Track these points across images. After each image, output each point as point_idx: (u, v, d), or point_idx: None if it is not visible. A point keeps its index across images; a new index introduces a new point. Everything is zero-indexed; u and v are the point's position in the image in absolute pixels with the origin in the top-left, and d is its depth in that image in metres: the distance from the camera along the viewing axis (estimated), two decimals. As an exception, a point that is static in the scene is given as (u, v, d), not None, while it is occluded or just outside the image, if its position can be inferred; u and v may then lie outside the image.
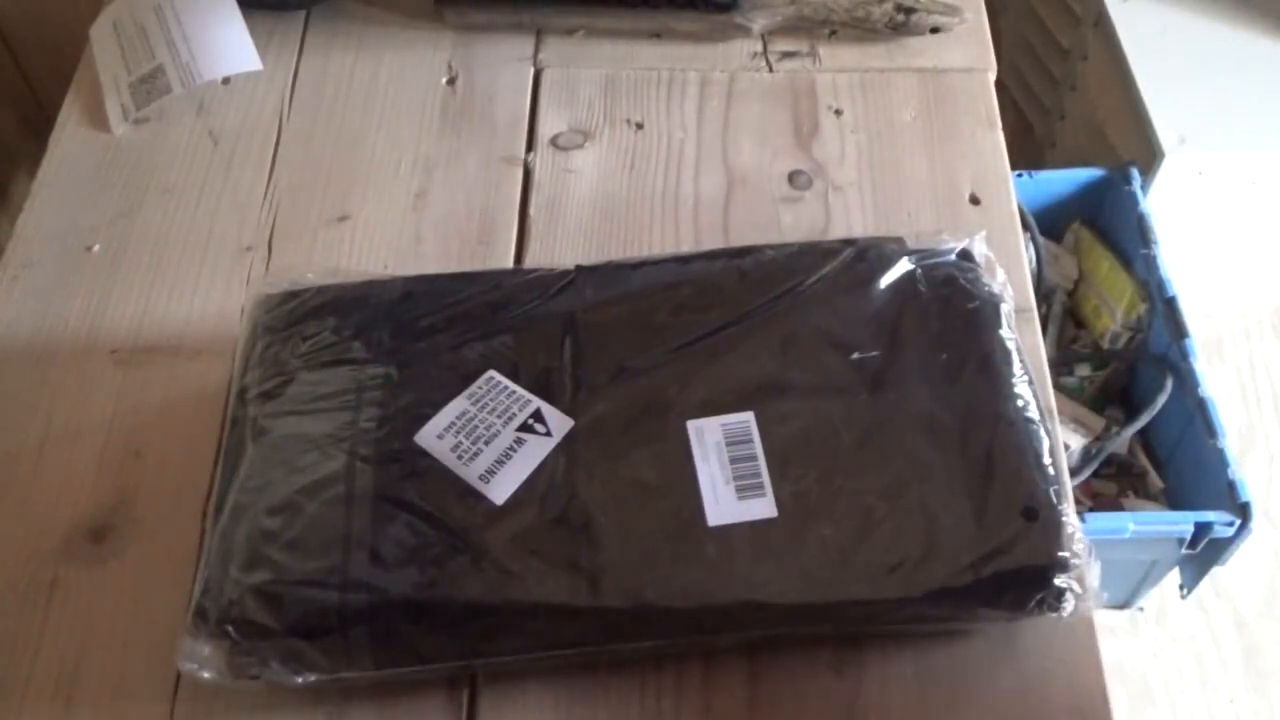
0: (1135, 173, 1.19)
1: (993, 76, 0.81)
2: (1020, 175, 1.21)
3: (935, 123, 0.78)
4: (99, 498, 0.63)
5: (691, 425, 0.55)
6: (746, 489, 0.54)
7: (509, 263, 0.72)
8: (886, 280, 0.60)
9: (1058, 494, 0.53)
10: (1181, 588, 1.16)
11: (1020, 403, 0.56)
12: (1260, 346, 1.44)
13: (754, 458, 0.54)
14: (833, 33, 0.84)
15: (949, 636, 0.56)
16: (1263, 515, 1.27)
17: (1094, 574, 0.52)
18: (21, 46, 1.18)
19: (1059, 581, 0.51)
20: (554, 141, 0.78)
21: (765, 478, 0.54)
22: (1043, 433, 0.56)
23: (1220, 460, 1.04)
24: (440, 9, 0.85)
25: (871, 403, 0.56)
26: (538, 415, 0.56)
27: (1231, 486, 1.02)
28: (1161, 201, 1.20)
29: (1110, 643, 1.23)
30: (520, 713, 0.55)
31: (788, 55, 0.83)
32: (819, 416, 0.56)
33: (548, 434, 0.55)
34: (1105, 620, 1.24)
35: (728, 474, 0.54)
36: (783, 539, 0.52)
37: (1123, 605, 1.24)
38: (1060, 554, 0.51)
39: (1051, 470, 0.54)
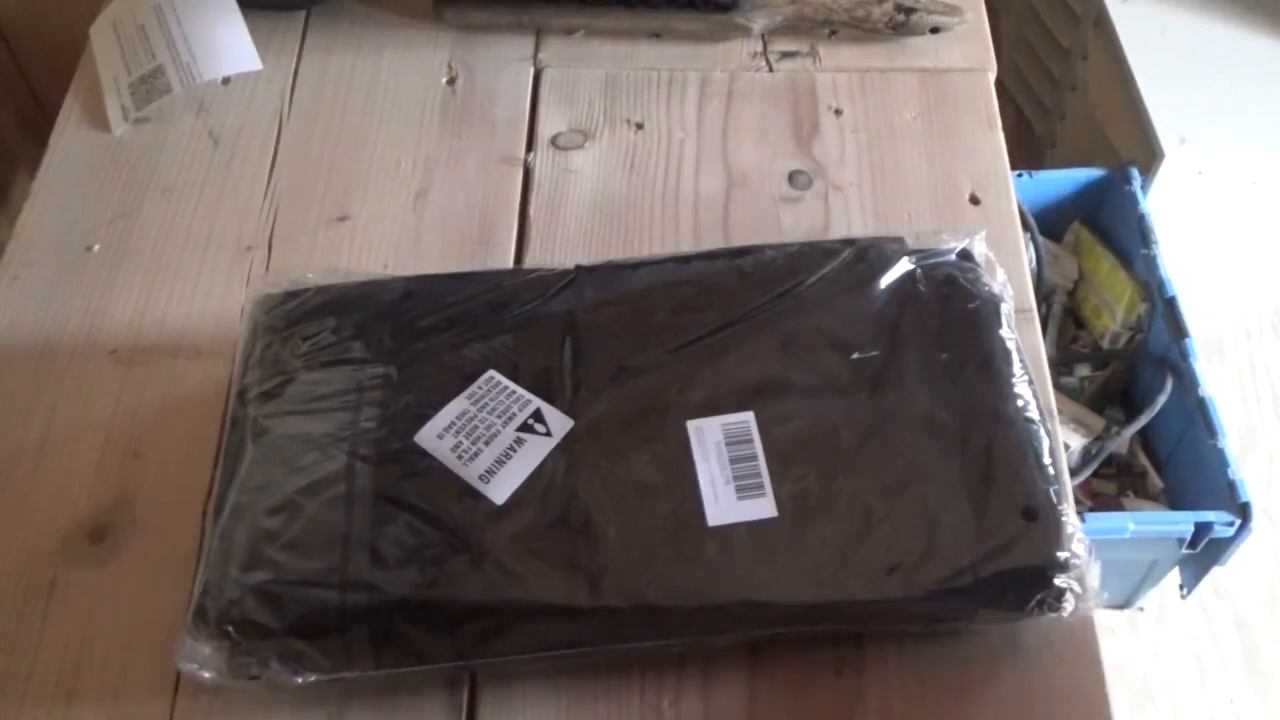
0: (1135, 173, 1.19)
1: (993, 76, 0.81)
2: (1020, 175, 1.21)
3: (935, 123, 0.78)
4: (99, 498, 0.63)
5: (691, 425, 0.55)
6: (746, 489, 0.54)
7: (509, 263, 0.72)
8: (886, 280, 0.60)
9: (1058, 494, 0.53)
10: (1181, 588, 1.16)
11: (1020, 403, 0.56)
12: (1260, 346, 1.44)
13: (754, 458, 0.54)
14: (833, 33, 0.84)
15: (949, 636, 0.56)
16: (1263, 515, 1.27)
17: (1094, 574, 0.52)
18: (21, 46, 1.18)
19: (1059, 581, 0.51)
20: (554, 141, 0.78)
21: (765, 478, 0.54)
22: (1043, 433, 0.56)
23: (1220, 460, 1.04)
24: (440, 9, 0.85)
25: (871, 403, 0.56)
26: (538, 415, 0.56)
27: (1231, 486, 1.02)
28: (1161, 201, 1.20)
29: (1110, 643, 1.23)
30: (520, 713, 0.55)
31: (788, 55, 0.83)
32: (819, 416, 0.56)
33: (548, 434, 0.55)
34: (1105, 620, 1.24)
35: (728, 474, 0.54)
36: (783, 539, 0.52)
37: (1123, 605, 1.24)
38: (1060, 554, 0.51)
39: (1051, 470, 0.54)
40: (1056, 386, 1.19)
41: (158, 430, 0.65)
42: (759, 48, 0.83)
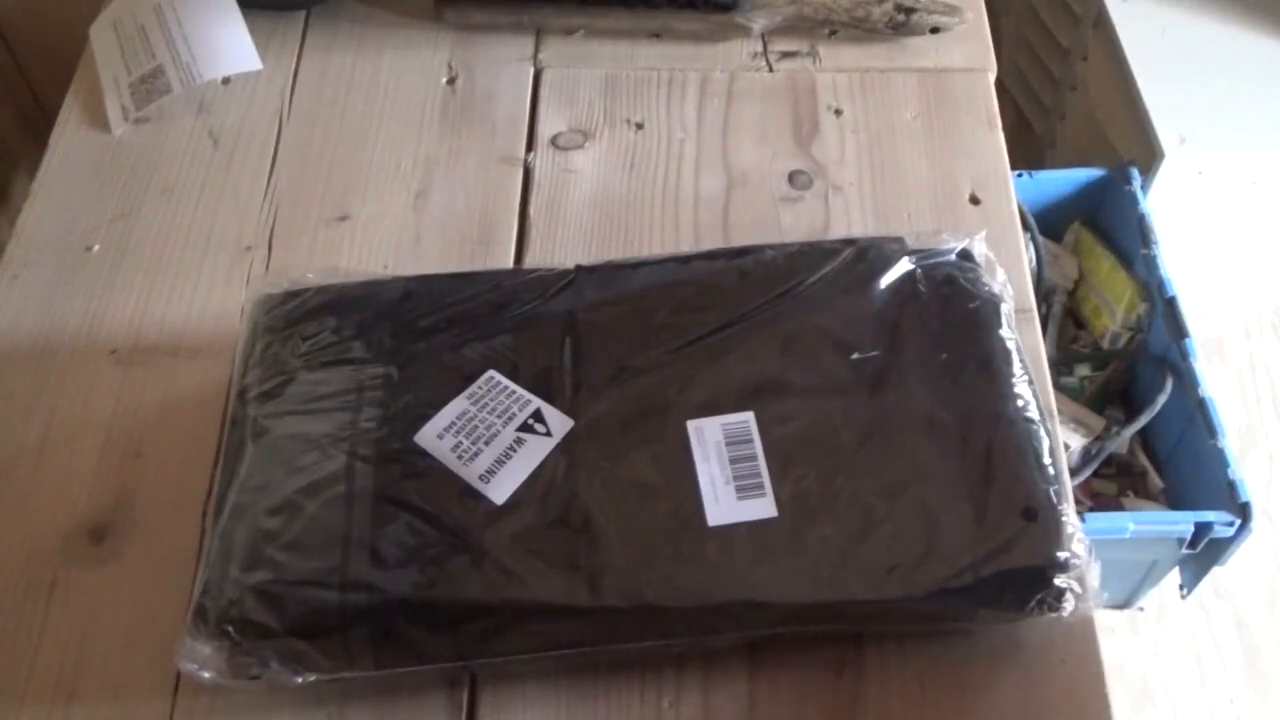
0: (1135, 173, 1.19)
1: (993, 76, 0.81)
2: (1020, 175, 1.21)
3: (935, 123, 0.78)
4: (99, 498, 0.63)
5: (691, 425, 0.55)
6: (746, 489, 0.54)
7: (509, 263, 0.72)
8: (886, 280, 0.60)
9: (1058, 494, 0.53)
10: (1181, 588, 1.16)
11: (1020, 403, 0.56)
12: (1260, 346, 1.44)
13: (754, 458, 0.54)
14: (833, 33, 0.84)
15: (949, 636, 0.56)
16: (1263, 515, 1.27)
17: (1094, 574, 0.52)
18: (21, 46, 1.18)
19: (1059, 581, 0.51)
20: (554, 141, 0.78)
21: (765, 478, 0.54)
22: (1043, 433, 0.56)
23: (1220, 460, 1.04)
24: (440, 9, 0.85)
25: (871, 403, 0.56)
26: (538, 415, 0.56)
27: (1231, 486, 1.02)
28: (1161, 201, 1.20)
29: (1110, 643, 1.23)
30: (520, 713, 0.55)
31: (788, 55, 0.83)
32: (819, 416, 0.56)
33: (548, 434, 0.55)
34: (1105, 620, 1.24)
35: (728, 474, 0.54)
36: (783, 539, 0.52)
37: (1123, 605, 1.24)
38: (1060, 554, 0.51)
39: (1051, 470, 0.54)
40: (1056, 386, 1.19)
41: (158, 430, 0.65)
42: (759, 48, 0.83)
